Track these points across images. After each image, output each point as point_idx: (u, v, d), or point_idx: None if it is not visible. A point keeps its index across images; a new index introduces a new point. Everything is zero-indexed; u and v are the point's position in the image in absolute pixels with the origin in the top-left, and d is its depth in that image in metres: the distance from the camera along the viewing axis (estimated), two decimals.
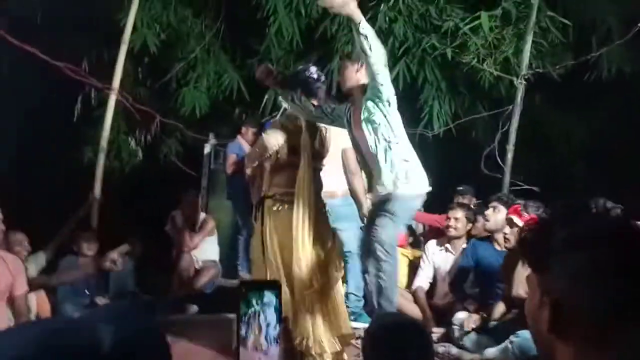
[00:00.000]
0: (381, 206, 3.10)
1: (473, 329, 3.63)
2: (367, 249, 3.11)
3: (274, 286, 1.41)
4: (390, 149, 3.06)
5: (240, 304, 1.35)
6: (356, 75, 3.23)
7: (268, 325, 1.29)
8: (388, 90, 3.08)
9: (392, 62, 5.95)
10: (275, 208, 3.07)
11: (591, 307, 0.82)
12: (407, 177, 3.07)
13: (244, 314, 1.34)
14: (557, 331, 0.85)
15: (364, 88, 3.17)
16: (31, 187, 6.35)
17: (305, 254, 3.01)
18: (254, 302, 1.36)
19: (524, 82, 5.24)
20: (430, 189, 3.24)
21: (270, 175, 3.17)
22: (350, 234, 3.76)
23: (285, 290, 2.93)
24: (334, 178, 3.64)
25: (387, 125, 3.07)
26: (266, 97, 6.44)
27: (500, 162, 5.14)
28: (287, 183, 3.08)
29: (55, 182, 6.50)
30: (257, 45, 6.44)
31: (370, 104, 3.09)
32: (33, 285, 3.31)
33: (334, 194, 3.82)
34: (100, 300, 4.41)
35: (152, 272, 5.42)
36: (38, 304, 3.78)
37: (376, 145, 3.09)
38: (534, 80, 5.37)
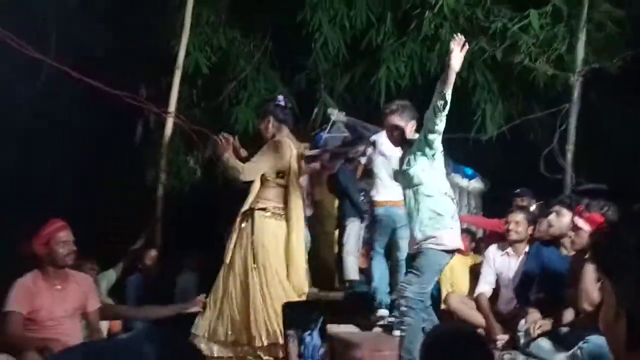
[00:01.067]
0: (410, 262, 3.33)
1: (539, 335, 3.51)
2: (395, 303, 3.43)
3: (318, 307, 1.43)
4: (421, 201, 3.17)
5: (285, 325, 1.38)
6: (409, 128, 3.32)
7: (313, 346, 1.30)
8: (435, 148, 3.16)
9: (441, 67, 5.91)
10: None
11: None
12: (436, 231, 3.15)
13: (289, 335, 1.37)
14: (634, 346, 0.79)
15: (410, 142, 3.29)
16: (98, 209, 6.68)
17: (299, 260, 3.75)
18: (298, 322, 1.38)
19: (580, 78, 5.07)
20: (460, 246, 3.38)
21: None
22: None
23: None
24: (398, 189, 3.73)
25: (420, 177, 3.18)
26: (315, 110, 6.53)
27: (561, 162, 4.97)
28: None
29: (120, 204, 6.81)
30: (304, 60, 6.55)
31: (410, 156, 3.20)
32: (108, 313, 3.49)
33: (397, 203, 4.02)
34: None
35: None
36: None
37: (407, 195, 3.26)
38: (591, 75, 5.19)
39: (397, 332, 3.40)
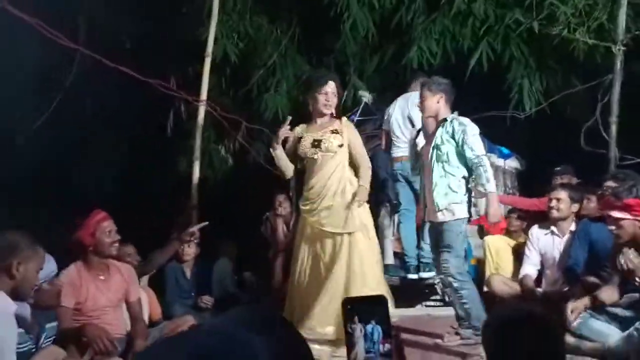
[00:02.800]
0: (438, 242, 3.50)
1: (589, 313, 3.35)
2: (444, 282, 3.57)
3: (381, 302, 1.37)
4: (446, 177, 3.43)
5: (346, 321, 1.32)
6: (436, 105, 3.52)
7: (375, 341, 1.24)
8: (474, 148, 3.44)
9: (474, 42, 5.74)
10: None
11: None
12: (451, 205, 3.42)
13: (351, 331, 1.31)
14: None
15: (443, 120, 3.49)
16: (134, 200, 6.74)
17: None
18: (359, 318, 1.33)
19: (622, 48, 4.84)
20: (469, 216, 3.52)
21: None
22: None
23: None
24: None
25: (449, 158, 3.43)
26: (345, 93, 6.42)
27: (605, 136, 4.77)
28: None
29: (154, 193, 6.86)
30: (332, 43, 6.45)
31: (444, 136, 3.45)
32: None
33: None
34: (207, 301, 4.59)
35: (251, 273, 5.58)
36: (151, 307, 4.00)
37: (434, 170, 3.45)
38: (634, 45, 4.94)
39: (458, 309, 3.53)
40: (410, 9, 5.94)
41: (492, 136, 5.74)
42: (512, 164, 6.31)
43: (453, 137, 3.42)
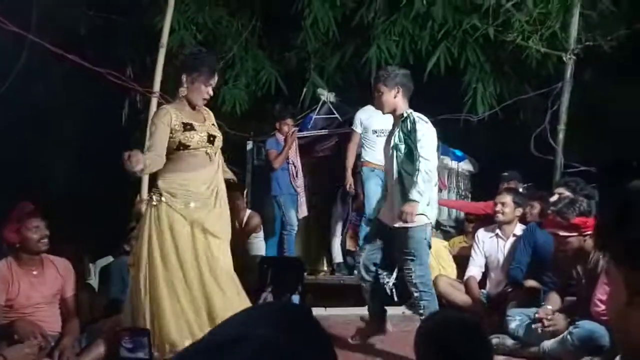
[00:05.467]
0: (401, 248, 3.26)
1: (527, 316, 3.42)
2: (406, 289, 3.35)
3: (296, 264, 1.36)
4: (405, 180, 3.19)
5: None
6: (393, 100, 3.31)
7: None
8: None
9: (432, 45, 5.79)
10: None
11: None
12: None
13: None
14: None
15: (401, 116, 3.28)
16: (85, 191, 6.56)
17: None
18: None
19: (573, 57, 4.98)
20: (432, 221, 3.34)
21: None
22: None
23: None
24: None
25: (408, 157, 3.21)
26: (304, 90, 6.40)
27: (552, 143, 4.90)
28: None
29: (107, 185, 6.69)
30: (293, 39, 6.41)
31: (401, 134, 3.24)
32: None
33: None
34: None
35: None
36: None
37: (395, 172, 3.25)
38: (584, 54, 5.09)
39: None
40: (371, 8, 5.96)
41: (447, 139, 5.83)
42: (466, 166, 6.41)
43: (409, 135, 3.21)
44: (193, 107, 2.99)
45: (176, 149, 2.89)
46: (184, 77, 2.94)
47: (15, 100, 6.34)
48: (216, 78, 3.03)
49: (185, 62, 3.02)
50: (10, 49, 6.02)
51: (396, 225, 3.23)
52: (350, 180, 5.03)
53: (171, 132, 2.87)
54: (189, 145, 2.87)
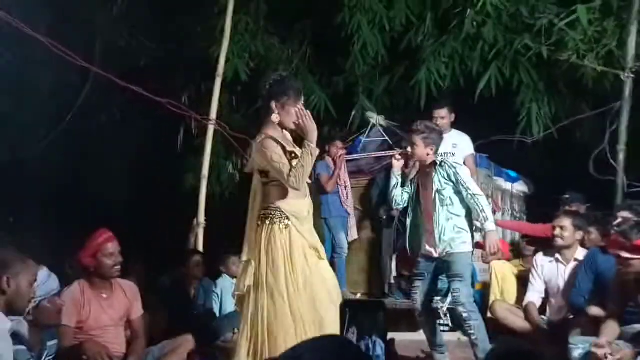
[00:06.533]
0: (448, 272, 3.64)
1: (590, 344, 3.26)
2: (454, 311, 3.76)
3: (379, 306, 1.38)
4: (452, 219, 3.61)
5: (346, 324, 1.34)
6: (426, 156, 3.71)
7: (374, 345, 1.26)
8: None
9: (483, 66, 5.75)
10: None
11: None
12: (456, 241, 3.60)
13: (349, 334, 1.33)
14: None
15: (434, 163, 3.69)
16: (143, 216, 6.80)
17: None
18: (357, 322, 1.35)
19: (631, 75, 4.83)
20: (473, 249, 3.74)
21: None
22: None
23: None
24: None
25: (452, 201, 3.63)
26: (353, 113, 6.45)
27: (614, 163, 4.74)
28: None
29: (163, 209, 6.93)
30: (342, 63, 6.50)
31: (442, 180, 3.64)
32: None
33: None
34: None
35: None
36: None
37: (440, 214, 3.63)
38: None
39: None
40: (420, 31, 5.99)
41: (500, 160, 5.74)
42: (520, 187, 6.28)
43: (450, 179, 3.63)
44: (284, 129, 3.05)
45: None
46: (273, 104, 2.99)
47: (78, 130, 6.70)
48: (302, 98, 3.07)
49: (270, 90, 3.04)
50: (74, 81, 6.40)
51: (442, 253, 3.62)
52: None
53: None
54: None
